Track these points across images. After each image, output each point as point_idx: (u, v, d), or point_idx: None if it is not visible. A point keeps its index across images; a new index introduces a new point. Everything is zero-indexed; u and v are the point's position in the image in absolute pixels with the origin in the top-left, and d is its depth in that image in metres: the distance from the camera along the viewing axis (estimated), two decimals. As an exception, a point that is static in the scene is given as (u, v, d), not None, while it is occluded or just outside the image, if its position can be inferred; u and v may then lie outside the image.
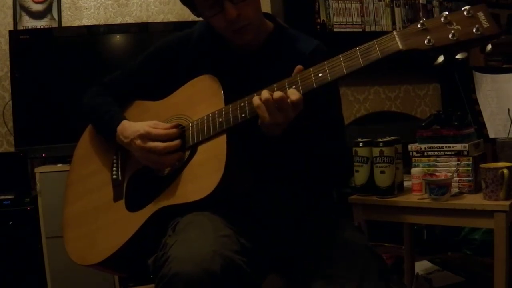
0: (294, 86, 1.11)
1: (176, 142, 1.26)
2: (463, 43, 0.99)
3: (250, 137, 1.19)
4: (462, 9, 1.00)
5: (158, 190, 1.24)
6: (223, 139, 1.19)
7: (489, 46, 1.01)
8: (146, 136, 1.26)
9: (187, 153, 1.25)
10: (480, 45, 1.01)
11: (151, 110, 1.39)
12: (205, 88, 1.28)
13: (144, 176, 1.32)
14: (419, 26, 1.02)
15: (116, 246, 1.24)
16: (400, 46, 1.02)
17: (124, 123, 1.34)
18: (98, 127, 1.43)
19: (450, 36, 0.99)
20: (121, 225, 1.27)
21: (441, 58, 1.02)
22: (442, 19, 1.01)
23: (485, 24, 0.97)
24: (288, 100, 1.08)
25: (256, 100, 1.12)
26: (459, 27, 0.99)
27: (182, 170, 1.23)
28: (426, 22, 1.02)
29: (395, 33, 1.03)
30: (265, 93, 1.11)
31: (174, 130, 1.27)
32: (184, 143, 1.26)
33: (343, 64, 1.07)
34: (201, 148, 1.23)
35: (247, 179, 1.24)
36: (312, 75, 1.10)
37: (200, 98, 1.29)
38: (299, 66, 1.13)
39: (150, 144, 1.25)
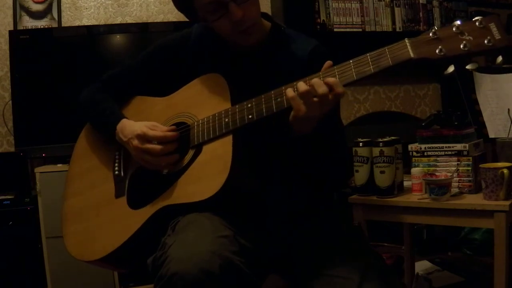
0: None
1: (173, 145, 1.25)
2: (474, 54, 0.98)
3: (255, 139, 1.19)
4: (474, 19, 0.99)
5: (161, 188, 1.23)
6: (229, 139, 1.17)
7: (500, 58, 1.00)
8: (143, 137, 1.25)
9: (192, 152, 1.24)
10: (491, 56, 1.01)
11: (155, 107, 1.38)
12: (211, 87, 1.27)
13: (146, 174, 1.31)
14: (431, 34, 1.00)
15: (118, 243, 1.24)
16: (412, 55, 1.00)
17: (124, 121, 1.34)
18: (96, 124, 1.43)
19: (461, 46, 0.98)
20: (123, 222, 1.27)
21: (451, 68, 1.02)
22: (454, 29, 0.99)
23: (497, 36, 0.97)
24: (331, 94, 1.06)
25: (290, 92, 1.09)
26: (471, 38, 0.98)
27: (186, 169, 1.22)
28: (438, 31, 1.00)
29: (406, 40, 1.02)
30: (302, 85, 1.07)
31: (172, 133, 1.25)
32: (189, 142, 1.25)
33: (353, 70, 1.06)
34: (206, 148, 1.21)
35: (252, 181, 1.23)
36: (321, 79, 1.08)
37: (206, 97, 1.27)
38: (330, 61, 1.09)
39: (146, 145, 1.25)
